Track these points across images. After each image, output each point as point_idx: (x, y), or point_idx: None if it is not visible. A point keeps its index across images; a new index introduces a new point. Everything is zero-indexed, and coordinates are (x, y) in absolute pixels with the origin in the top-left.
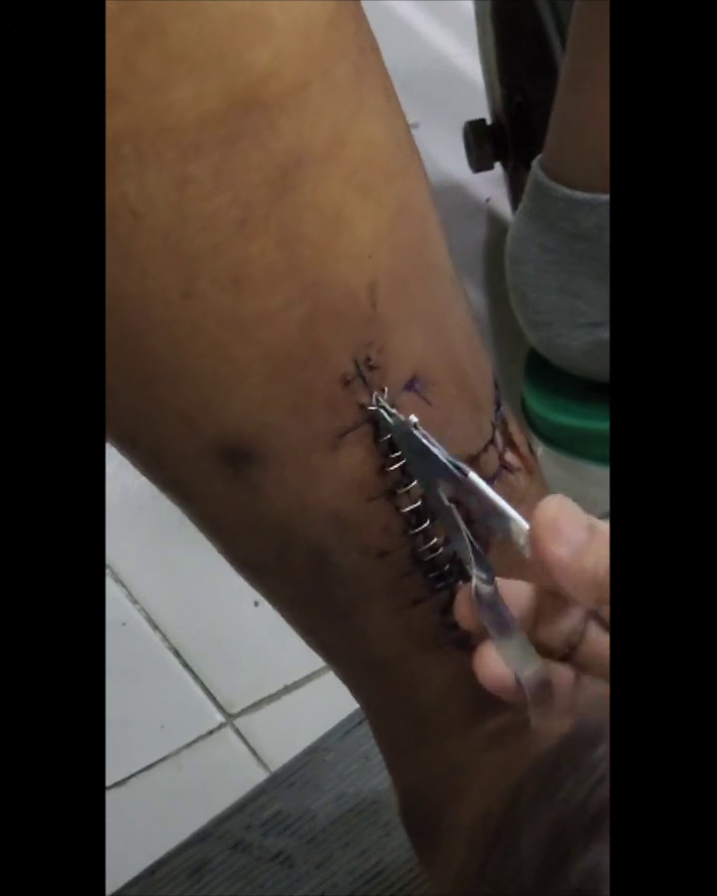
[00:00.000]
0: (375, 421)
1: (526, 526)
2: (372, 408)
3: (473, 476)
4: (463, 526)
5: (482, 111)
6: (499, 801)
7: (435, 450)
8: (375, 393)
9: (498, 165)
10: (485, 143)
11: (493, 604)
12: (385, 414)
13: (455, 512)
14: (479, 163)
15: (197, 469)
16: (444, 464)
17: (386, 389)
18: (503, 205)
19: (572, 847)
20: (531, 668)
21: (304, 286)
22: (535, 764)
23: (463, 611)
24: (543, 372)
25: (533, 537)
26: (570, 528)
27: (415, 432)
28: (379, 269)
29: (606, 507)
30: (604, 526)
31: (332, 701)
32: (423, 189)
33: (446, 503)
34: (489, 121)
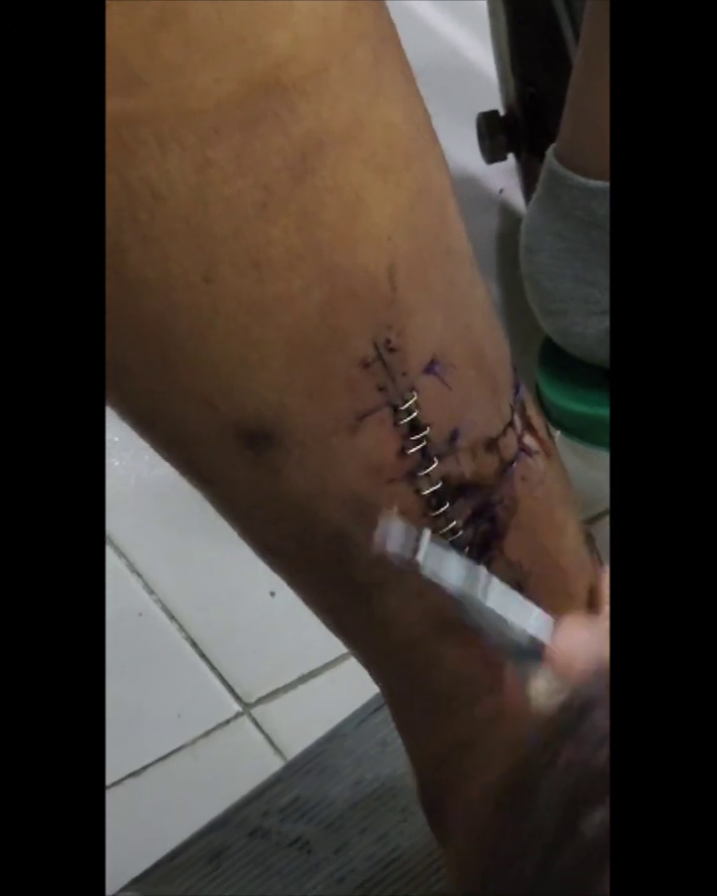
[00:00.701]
0: (395, 406)
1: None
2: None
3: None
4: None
5: (495, 102)
6: (513, 769)
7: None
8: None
9: (511, 156)
10: (498, 134)
11: None
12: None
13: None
14: (492, 154)
15: (217, 452)
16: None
17: (415, 391)
18: (516, 196)
19: (583, 804)
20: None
21: (323, 269)
22: (538, 734)
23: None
24: (557, 361)
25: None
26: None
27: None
28: (399, 252)
29: None
30: None
31: (348, 690)
32: (442, 173)
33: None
34: (502, 113)
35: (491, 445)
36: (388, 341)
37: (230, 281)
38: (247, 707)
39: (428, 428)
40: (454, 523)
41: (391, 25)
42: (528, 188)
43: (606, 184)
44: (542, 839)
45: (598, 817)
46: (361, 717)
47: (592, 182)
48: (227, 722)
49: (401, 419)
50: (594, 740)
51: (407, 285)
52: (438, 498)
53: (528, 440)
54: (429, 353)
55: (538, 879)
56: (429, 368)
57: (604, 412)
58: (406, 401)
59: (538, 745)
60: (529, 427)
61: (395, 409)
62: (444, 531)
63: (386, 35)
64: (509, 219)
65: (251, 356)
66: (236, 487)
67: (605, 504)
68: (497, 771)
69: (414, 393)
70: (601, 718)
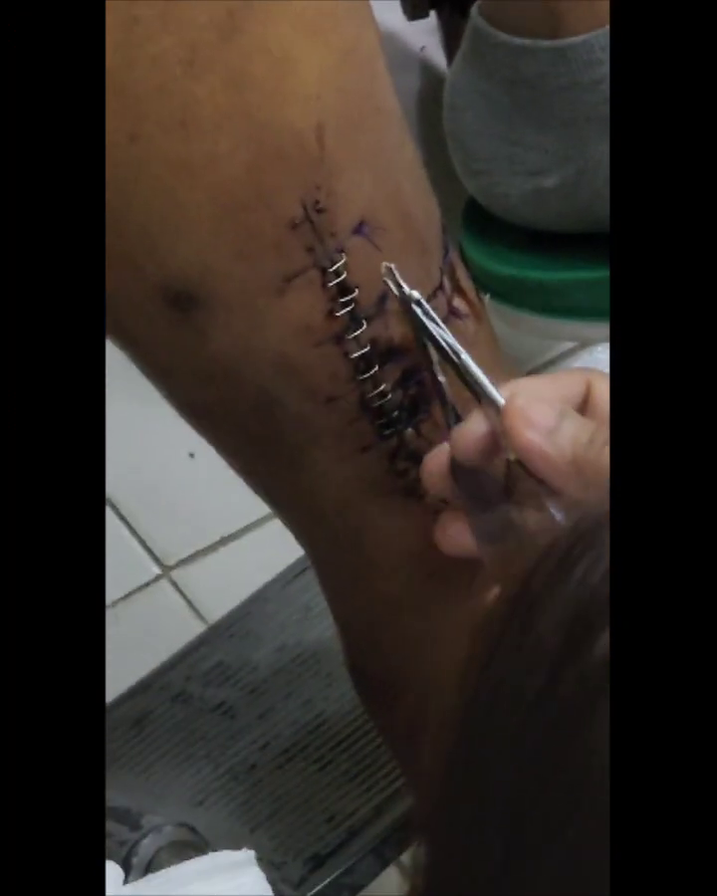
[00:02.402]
0: (323, 267)
1: None
2: (385, 281)
3: (466, 357)
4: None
5: None
6: (506, 590)
7: (434, 329)
8: (385, 264)
9: (433, 13)
10: None
11: (473, 474)
12: (392, 285)
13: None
14: (414, 12)
15: (143, 313)
16: (439, 342)
17: (344, 251)
18: (438, 54)
19: (592, 625)
20: (504, 540)
21: (251, 128)
22: (549, 545)
23: (434, 480)
24: (481, 222)
25: (505, 425)
26: (539, 415)
27: (416, 308)
28: (327, 111)
29: (542, 358)
30: (570, 409)
31: (270, 552)
32: (371, 32)
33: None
34: None
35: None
36: (317, 202)
37: (156, 140)
38: (167, 569)
39: (357, 290)
40: (383, 386)
41: None
42: (450, 46)
43: (533, 42)
44: (545, 659)
45: (607, 639)
46: (285, 581)
47: (517, 40)
48: (147, 584)
49: (330, 281)
50: (606, 560)
51: (336, 145)
52: (366, 361)
53: (457, 303)
54: (358, 215)
55: (539, 699)
56: (358, 229)
57: (529, 274)
58: (335, 263)
59: (547, 557)
60: (458, 290)
61: (324, 271)
62: (373, 393)
63: None
64: (430, 78)
65: (177, 217)
66: (162, 348)
67: (531, 365)
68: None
69: (343, 255)
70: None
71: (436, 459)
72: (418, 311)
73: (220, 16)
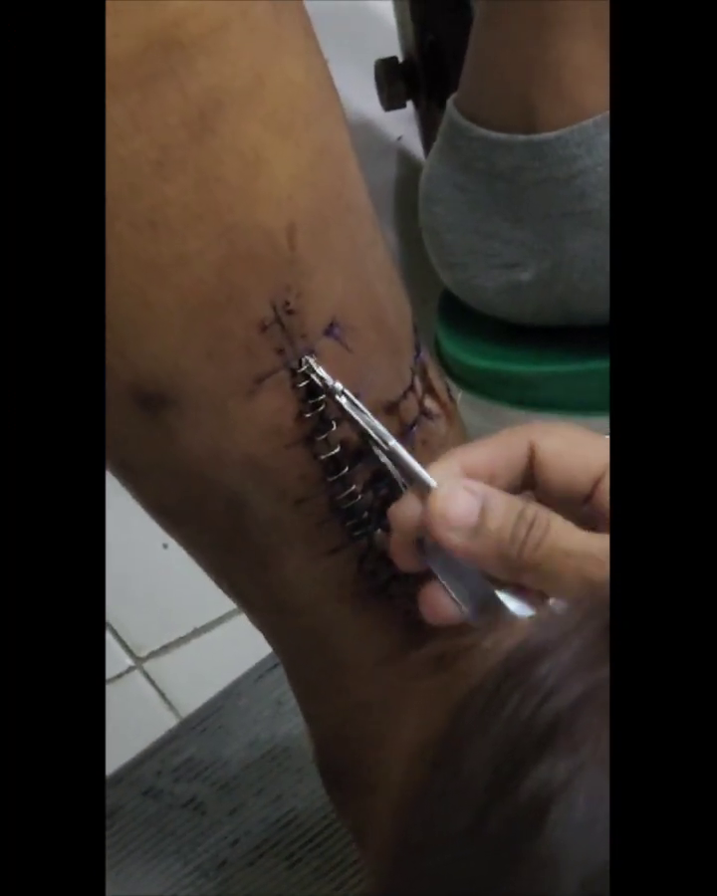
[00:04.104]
0: (293, 369)
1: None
2: (301, 371)
3: (395, 444)
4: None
5: (394, 48)
6: (440, 723)
7: (359, 417)
8: (304, 357)
9: (410, 104)
10: (397, 81)
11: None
12: (315, 378)
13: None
14: (391, 102)
15: (113, 413)
16: (366, 430)
17: (314, 354)
18: (415, 143)
19: (521, 762)
20: (483, 599)
21: (221, 228)
22: (478, 682)
23: (405, 558)
24: (457, 314)
25: (428, 526)
26: (460, 511)
27: (340, 399)
28: (298, 211)
29: None
30: (496, 495)
31: (243, 645)
32: (343, 130)
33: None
34: (401, 59)
35: (391, 408)
36: (287, 303)
37: (126, 240)
38: (139, 660)
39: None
40: (353, 487)
41: None
42: (426, 136)
43: (509, 137)
44: (473, 797)
45: (537, 777)
46: (257, 674)
47: (493, 134)
48: (119, 676)
49: (299, 382)
50: (541, 692)
51: (307, 245)
52: (336, 462)
53: (428, 403)
54: (329, 315)
55: (467, 839)
56: (329, 331)
57: (504, 367)
58: (303, 365)
59: (475, 694)
60: (430, 390)
61: (293, 372)
62: (342, 495)
63: None
64: (407, 167)
65: (146, 317)
66: (131, 448)
67: None
68: (428, 717)
69: (312, 357)
70: (549, 669)
71: (398, 538)
72: (343, 400)
73: (192, 117)
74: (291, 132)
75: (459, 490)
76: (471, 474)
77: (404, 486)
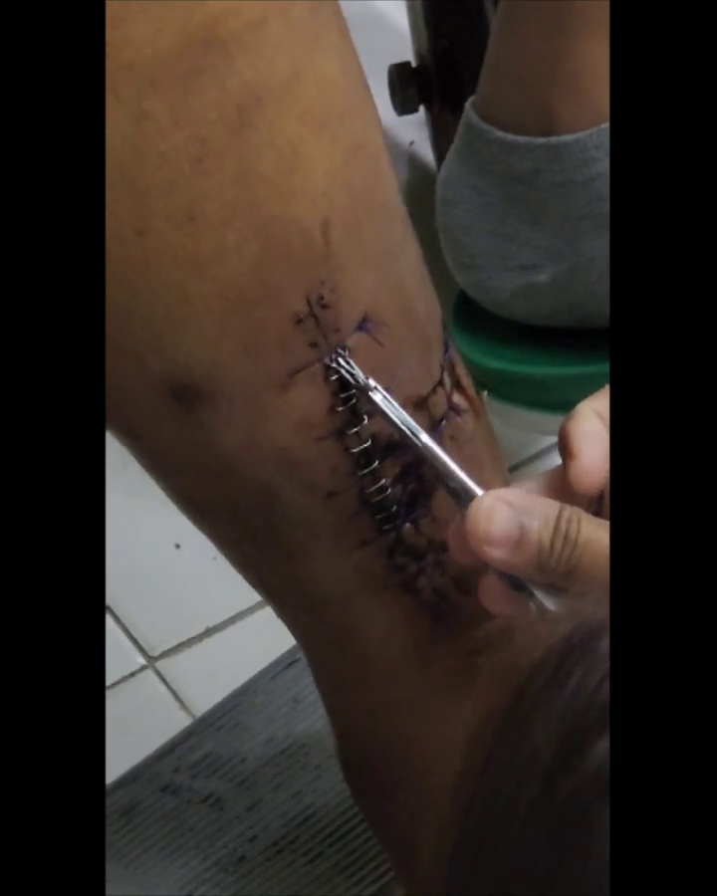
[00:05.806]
0: (326, 363)
1: (479, 492)
2: (332, 366)
3: (426, 439)
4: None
5: (407, 53)
6: (502, 698)
7: (392, 413)
8: (336, 352)
9: (422, 108)
10: (410, 86)
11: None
12: (346, 374)
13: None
14: (404, 106)
15: (147, 407)
16: (397, 424)
17: (347, 348)
18: (426, 148)
19: (587, 732)
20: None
21: (258, 223)
22: (542, 657)
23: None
24: (472, 316)
25: (470, 540)
26: (500, 528)
27: (373, 395)
28: (333, 207)
29: (531, 450)
30: (532, 504)
31: (255, 644)
32: (376, 129)
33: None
34: (414, 64)
35: (421, 403)
36: (321, 298)
37: (164, 234)
38: (152, 660)
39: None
40: (383, 481)
41: None
42: (439, 141)
43: (526, 139)
44: (540, 767)
45: (603, 747)
46: (273, 672)
47: (511, 136)
48: (132, 674)
49: (331, 376)
50: (604, 666)
51: (341, 241)
52: (367, 456)
53: (457, 399)
54: (361, 310)
55: (535, 808)
56: (361, 325)
57: (519, 368)
58: (335, 359)
59: (541, 668)
60: (458, 386)
61: (326, 366)
62: (372, 488)
63: None
64: (419, 172)
65: (184, 311)
66: (164, 442)
67: (517, 459)
68: (489, 698)
69: (345, 351)
70: (608, 646)
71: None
72: (377, 397)
73: (230, 112)
74: (326, 129)
75: (498, 504)
76: None
77: (443, 482)
